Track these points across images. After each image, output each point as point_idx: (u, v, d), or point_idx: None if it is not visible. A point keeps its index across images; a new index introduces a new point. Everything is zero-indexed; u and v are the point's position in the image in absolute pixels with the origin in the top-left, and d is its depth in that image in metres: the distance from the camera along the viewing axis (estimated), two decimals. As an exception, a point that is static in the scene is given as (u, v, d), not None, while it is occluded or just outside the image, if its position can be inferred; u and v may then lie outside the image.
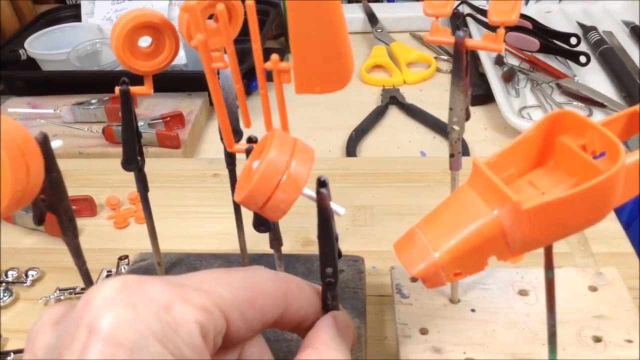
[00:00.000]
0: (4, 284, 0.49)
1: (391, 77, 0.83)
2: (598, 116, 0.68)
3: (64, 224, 0.31)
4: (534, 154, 0.30)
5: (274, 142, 0.26)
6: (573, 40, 0.80)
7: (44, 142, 0.27)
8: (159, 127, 0.68)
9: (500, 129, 0.71)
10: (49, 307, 0.47)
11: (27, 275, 0.50)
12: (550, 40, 0.80)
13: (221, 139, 0.38)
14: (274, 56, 0.26)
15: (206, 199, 0.58)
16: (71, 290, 0.48)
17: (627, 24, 0.88)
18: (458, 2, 0.94)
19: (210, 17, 0.33)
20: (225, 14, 0.26)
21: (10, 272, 0.50)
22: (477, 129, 0.71)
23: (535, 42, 0.80)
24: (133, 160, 0.38)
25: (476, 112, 0.74)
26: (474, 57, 0.81)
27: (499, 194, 0.26)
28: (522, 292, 0.40)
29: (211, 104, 0.78)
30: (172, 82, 0.76)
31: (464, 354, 0.36)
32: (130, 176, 0.39)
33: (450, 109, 0.34)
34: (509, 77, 0.76)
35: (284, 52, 0.88)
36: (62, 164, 0.30)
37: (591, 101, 0.71)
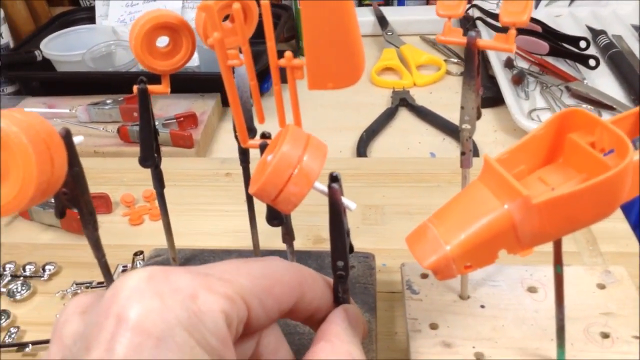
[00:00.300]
0: (22, 277, 0.50)
1: (401, 79, 0.84)
2: (607, 119, 0.68)
3: (84, 217, 0.32)
4: (544, 151, 0.31)
5: (287, 136, 0.26)
6: (582, 44, 0.81)
7: (66, 137, 0.28)
8: (173, 127, 0.70)
9: (510, 131, 0.71)
10: (67, 299, 0.48)
11: (44, 270, 0.51)
12: (560, 44, 0.81)
13: (235, 136, 0.39)
14: (288, 53, 0.27)
15: (219, 197, 0.59)
16: (87, 285, 0.49)
17: (636, 28, 0.88)
18: (469, 6, 0.94)
19: (225, 18, 0.34)
20: (241, 12, 0.27)
21: (27, 267, 0.51)
22: (487, 130, 0.72)
23: (544, 46, 0.80)
24: (150, 158, 0.39)
25: (486, 114, 0.75)
26: (484, 60, 0.82)
27: (509, 189, 0.27)
28: (531, 289, 0.41)
29: (224, 105, 0.79)
30: (185, 83, 0.77)
31: (473, 348, 0.37)
32: (145, 175, 0.40)
33: (462, 107, 0.34)
34: (518, 79, 0.76)
35: (295, 54, 0.89)
36: (78, 162, 0.30)
37: (600, 104, 0.71)
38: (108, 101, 0.74)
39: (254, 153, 0.34)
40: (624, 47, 0.83)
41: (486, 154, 0.29)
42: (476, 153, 0.67)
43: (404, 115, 0.77)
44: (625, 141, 0.27)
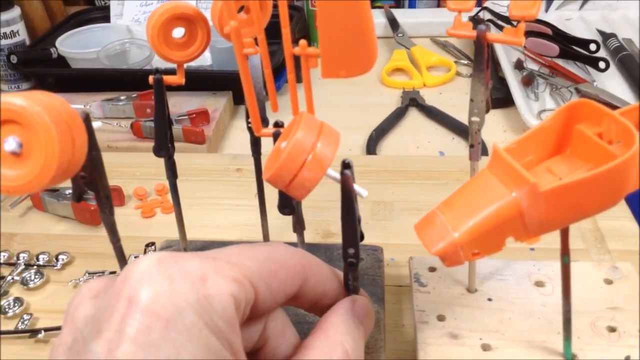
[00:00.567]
0: (35, 266, 0.51)
1: (411, 80, 0.85)
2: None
3: (101, 200, 0.33)
4: (552, 142, 0.31)
5: (301, 123, 0.27)
6: (592, 47, 0.81)
7: (87, 120, 0.29)
8: (185, 123, 0.70)
9: (519, 131, 0.72)
10: (80, 286, 0.49)
11: (57, 259, 0.52)
12: (570, 46, 0.81)
13: (248, 127, 0.40)
14: (302, 41, 0.28)
15: (230, 192, 0.60)
16: (100, 274, 0.50)
17: (647, 31, 0.89)
18: (479, 8, 0.95)
19: (240, 10, 0.35)
20: (257, 2, 0.28)
21: (41, 256, 0.52)
22: (497, 130, 0.72)
23: (554, 48, 0.80)
24: (164, 147, 0.40)
25: (495, 114, 0.75)
26: (494, 61, 0.82)
27: (517, 177, 0.28)
28: (539, 283, 0.41)
29: (235, 103, 0.80)
30: (198, 81, 0.78)
31: (480, 340, 0.37)
32: (157, 169, 0.41)
33: (471, 100, 0.35)
34: (528, 81, 0.76)
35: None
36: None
37: (610, 106, 0.71)
38: (122, 97, 0.75)
39: (266, 148, 0.34)
40: (634, 50, 0.83)
41: (495, 143, 0.29)
42: (485, 153, 0.67)
43: (413, 115, 0.78)
44: (633, 131, 0.27)
